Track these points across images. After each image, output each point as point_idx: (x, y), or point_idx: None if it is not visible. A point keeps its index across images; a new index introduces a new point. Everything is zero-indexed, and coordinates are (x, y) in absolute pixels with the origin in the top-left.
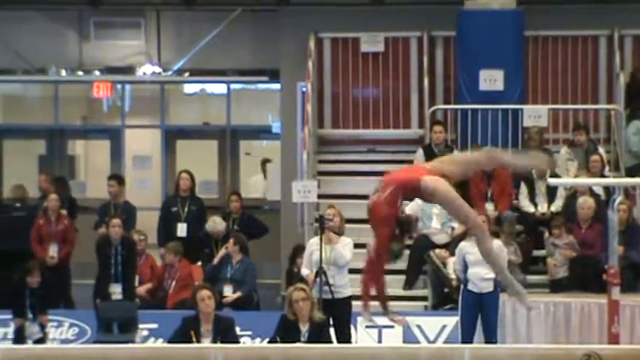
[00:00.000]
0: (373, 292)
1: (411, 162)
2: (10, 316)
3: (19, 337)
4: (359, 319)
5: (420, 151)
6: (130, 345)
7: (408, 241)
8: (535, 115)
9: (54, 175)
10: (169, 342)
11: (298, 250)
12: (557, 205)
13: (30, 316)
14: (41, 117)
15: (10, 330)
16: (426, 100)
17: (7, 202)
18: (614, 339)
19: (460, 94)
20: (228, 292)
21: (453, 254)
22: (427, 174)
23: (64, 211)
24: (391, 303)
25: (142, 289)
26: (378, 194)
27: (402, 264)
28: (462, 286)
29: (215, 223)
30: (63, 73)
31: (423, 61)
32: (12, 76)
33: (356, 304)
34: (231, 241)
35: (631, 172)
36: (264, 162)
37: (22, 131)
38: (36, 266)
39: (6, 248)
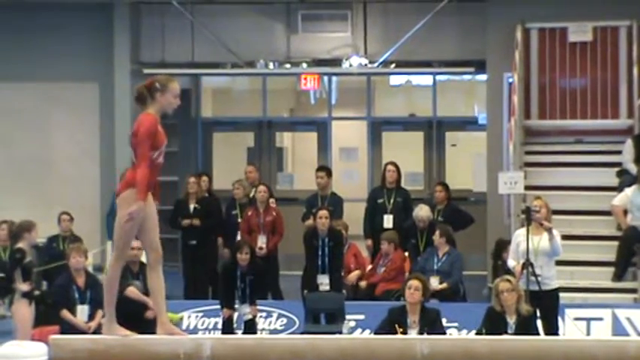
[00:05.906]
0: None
1: (619, 152)
2: (218, 307)
3: (228, 327)
4: (567, 310)
5: (629, 142)
6: (337, 336)
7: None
8: None
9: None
10: (376, 333)
11: (502, 245)
12: None
13: (238, 305)
14: (250, 109)
15: (220, 320)
16: (635, 90)
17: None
18: None
19: None
20: (435, 284)
21: None
22: None
23: (272, 202)
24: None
25: (348, 280)
26: None
27: (610, 255)
28: None
29: (421, 210)
30: (271, 66)
31: (633, 51)
32: (221, 69)
33: (563, 296)
34: (438, 232)
35: None
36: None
37: (231, 123)
38: (245, 244)
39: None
